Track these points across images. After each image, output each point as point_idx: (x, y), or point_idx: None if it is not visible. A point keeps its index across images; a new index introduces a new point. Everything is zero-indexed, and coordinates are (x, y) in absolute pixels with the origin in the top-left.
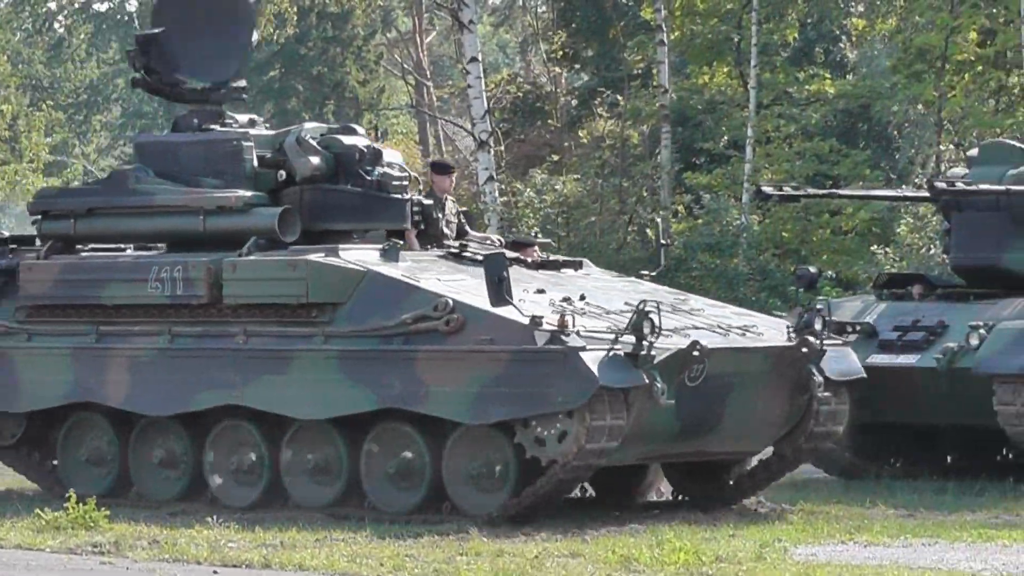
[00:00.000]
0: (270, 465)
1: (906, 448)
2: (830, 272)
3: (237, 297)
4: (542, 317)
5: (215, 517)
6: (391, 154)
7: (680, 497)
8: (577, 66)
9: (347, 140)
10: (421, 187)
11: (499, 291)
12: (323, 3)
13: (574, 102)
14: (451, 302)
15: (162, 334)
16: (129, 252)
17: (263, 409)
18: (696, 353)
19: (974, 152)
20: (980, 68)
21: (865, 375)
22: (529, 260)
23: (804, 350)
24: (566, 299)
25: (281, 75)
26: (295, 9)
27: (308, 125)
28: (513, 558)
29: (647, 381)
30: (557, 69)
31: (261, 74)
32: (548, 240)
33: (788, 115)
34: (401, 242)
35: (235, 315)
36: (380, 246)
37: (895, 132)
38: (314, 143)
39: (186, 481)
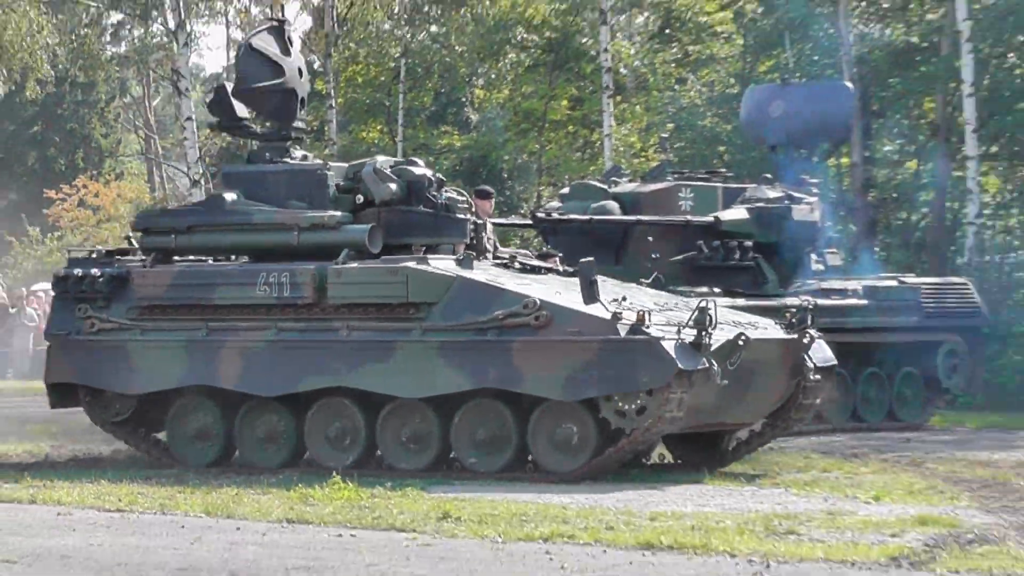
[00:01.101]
0: (366, 435)
1: None
2: None
3: (341, 298)
4: (621, 313)
5: None
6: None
7: (677, 461)
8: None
9: (417, 171)
10: None
11: (591, 291)
12: (75, 75)
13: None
14: (539, 301)
15: (269, 329)
16: (216, 263)
17: (367, 390)
18: (741, 343)
19: (566, 190)
20: (571, 127)
21: (836, 363)
22: (560, 269)
23: (804, 341)
24: (614, 300)
25: (42, 129)
26: (53, 75)
27: (380, 158)
28: (219, 495)
29: (707, 365)
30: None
31: (27, 128)
32: (561, 254)
33: (426, 163)
34: (473, 253)
35: (337, 313)
36: (455, 256)
37: (506, 175)
38: (388, 172)
39: (287, 451)
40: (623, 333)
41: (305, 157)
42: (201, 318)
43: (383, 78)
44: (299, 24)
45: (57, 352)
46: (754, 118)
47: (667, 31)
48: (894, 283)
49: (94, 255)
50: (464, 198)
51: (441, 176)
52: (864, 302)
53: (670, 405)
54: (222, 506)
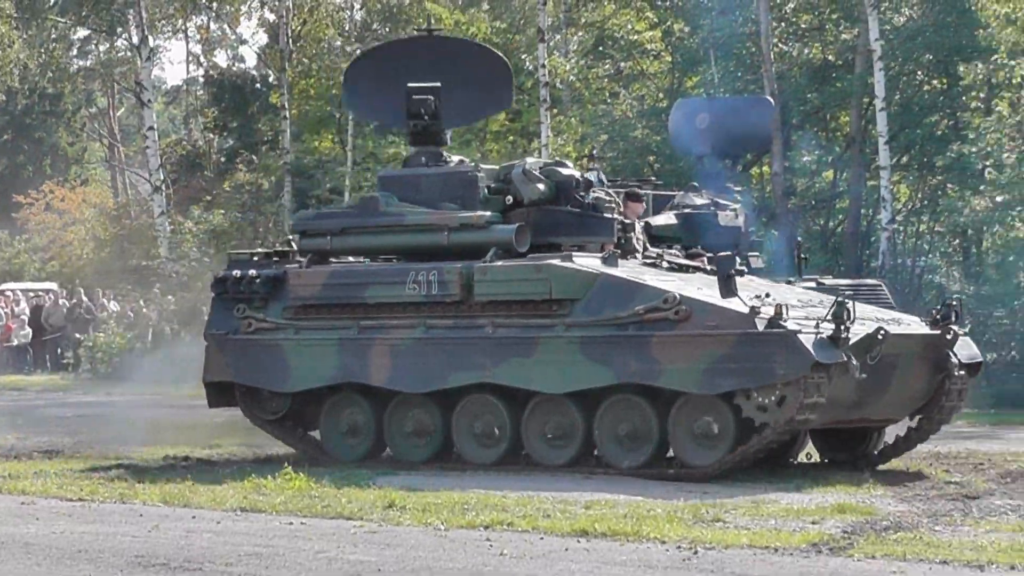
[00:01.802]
0: (511, 431)
1: None
2: None
3: (487, 295)
4: (759, 307)
5: None
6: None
7: (824, 461)
8: (225, 133)
9: (564, 171)
10: None
11: (729, 285)
12: (43, 86)
13: (223, 159)
14: (679, 296)
15: (418, 326)
16: (367, 263)
17: (512, 385)
18: (880, 337)
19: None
20: (511, 138)
21: (982, 360)
22: (707, 268)
23: (948, 337)
24: (756, 296)
25: (12, 138)
26: (25, 88)
27: (529, 160)
28: (176, 486)
29: (845, 359)
30: (210, 135)
31: None
32: (709, 254)
33: (374, 170)
34: (619, 251)
35: (483, 310)
36: (601, 254)
37: None
38: (536, 173)
39: (435, 446)
40: (760, 327)
41: (462, 162)
42: (352, 317)
43: (334, 91)
44: (255, 41)
45: (215, 351)
46: (682, 130)
47: (600, 48)
48: (813, 284)
49: (254, 257)
50: (611, 199)
51: (589, 177)
52: None
53: (807, 398)
54: (179, 496)
